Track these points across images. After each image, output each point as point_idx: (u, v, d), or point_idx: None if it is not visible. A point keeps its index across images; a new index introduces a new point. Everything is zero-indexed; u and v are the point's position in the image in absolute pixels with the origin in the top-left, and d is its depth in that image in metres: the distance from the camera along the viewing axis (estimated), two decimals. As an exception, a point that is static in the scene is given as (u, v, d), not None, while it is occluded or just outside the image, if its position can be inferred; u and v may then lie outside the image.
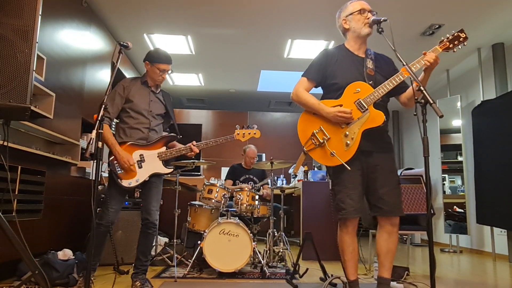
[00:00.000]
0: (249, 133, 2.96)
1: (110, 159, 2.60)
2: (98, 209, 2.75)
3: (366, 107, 2.17)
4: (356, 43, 2.34)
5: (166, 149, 2.74)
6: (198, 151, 2.80)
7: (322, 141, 2.22)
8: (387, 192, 2.20)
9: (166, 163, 2.73)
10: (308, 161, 7.12)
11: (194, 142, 2.79)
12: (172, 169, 2.74)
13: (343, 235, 2.27)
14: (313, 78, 2.35)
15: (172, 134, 2.83)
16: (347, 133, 2.18)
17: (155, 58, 2.70)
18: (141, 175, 2.62)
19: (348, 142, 2.17)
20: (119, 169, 2.58)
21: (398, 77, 2.15)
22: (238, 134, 2.94)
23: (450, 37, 2.13)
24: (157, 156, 2.69)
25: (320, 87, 2.42)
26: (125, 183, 2.58)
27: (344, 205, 2.21)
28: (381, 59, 2.38)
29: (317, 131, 2.24)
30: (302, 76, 2.38)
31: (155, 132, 2.76)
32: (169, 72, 2.78)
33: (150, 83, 2.77)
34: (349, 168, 2.14)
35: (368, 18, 2.25)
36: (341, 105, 2.21)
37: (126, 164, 2.55)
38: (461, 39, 2.11)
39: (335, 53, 2.35)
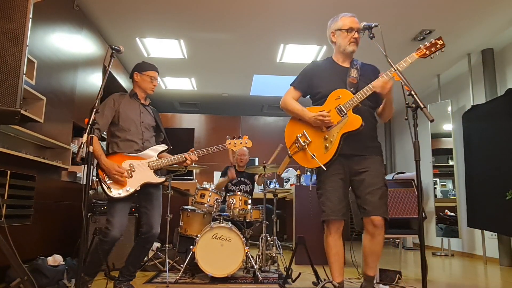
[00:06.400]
0: (241, 143, 2.90)
1: (98, 170, 2.53)
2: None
3: (345, 112, 2.25)
4: (341, 57, 2.44)
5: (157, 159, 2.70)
6: (196, 159, 2.71)
7: (303, 144, 2.33)
8: (370, 192, 2.25)
9: (157, 172, 2.68)
10: (300, 165, 7.17)
11: (193, 150, 2.72)
12: (164, 179, 2.68)
13: (326, 237, 2.34)
14: (298, 87, 2.49)
15: (163, 144, 2.81)
16: (326, 136, 2.28)
17: (144, 68, 2.76)
18: (132, 185, 2.54)
19: (327, 145, 2.27)
20: (107, 178, 2.52)
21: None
22: (229, 143, 2.88)
23: (427, 45, 2.15)
24: (148, 166, 2.63)
25: (309, 97, 2.54)
26: (114, 193, 2.49)
27: (324, 208, 2.30)
28: (367, 68, 2.45)
29: (300, 135, 2.38)
30: (290, 85, 2.52)
31: (148, 143, 2.73)
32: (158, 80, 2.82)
33: (140, 95, 2.78)
34: (324, 169, 2.24)
35: (355, 38, 2.33)
36: (323, 111, 2.29)
37: (115, 173, 2.48)
38: (438, 46, 2.14)
39: (321, 65, 2.50)
